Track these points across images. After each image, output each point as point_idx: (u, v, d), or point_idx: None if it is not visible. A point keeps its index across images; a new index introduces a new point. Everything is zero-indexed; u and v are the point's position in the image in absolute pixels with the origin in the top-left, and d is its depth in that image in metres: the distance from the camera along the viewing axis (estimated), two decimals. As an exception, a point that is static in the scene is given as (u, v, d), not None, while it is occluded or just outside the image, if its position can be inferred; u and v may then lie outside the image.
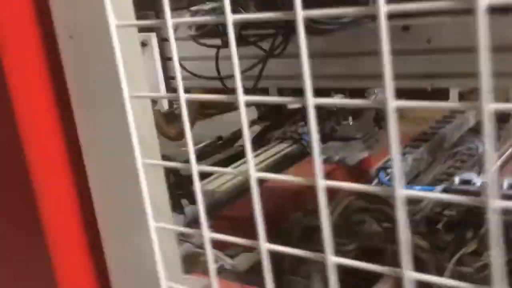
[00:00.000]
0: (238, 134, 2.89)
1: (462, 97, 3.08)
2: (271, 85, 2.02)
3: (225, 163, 2.42)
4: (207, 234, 0.62)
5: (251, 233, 2.09)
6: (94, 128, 0.75)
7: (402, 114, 4.85)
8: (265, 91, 2.21)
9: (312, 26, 1.41)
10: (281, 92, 2.74)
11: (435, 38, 1.46)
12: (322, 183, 0.53)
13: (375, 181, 2.25)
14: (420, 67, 1.51)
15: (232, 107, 3.55)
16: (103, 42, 0.62)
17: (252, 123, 2.99)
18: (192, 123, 3.36)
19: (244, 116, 0.54)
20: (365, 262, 2.03)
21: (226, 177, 2.25)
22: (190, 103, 3.47)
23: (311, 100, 0.51)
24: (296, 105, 2.94)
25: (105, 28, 0.60)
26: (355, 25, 1.45)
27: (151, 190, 0.63)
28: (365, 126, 2.47)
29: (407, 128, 5.39)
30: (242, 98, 0.53)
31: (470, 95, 3.09)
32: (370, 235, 2.05)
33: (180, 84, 0.57)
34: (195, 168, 0.59)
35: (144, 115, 0.69)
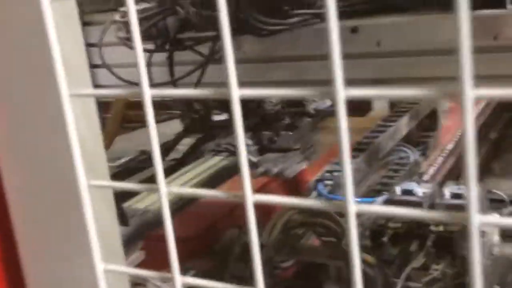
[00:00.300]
0: (163, 148, 2.73)
1: (392, 104, 3.07)
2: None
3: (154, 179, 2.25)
4: (179, 278, 0.48)
5: (187, 254, 1.93)
6: (17, 137, 0.59)
7: (324, 125, 4.80)
8: (201, 101, 2.07)
9: (258, 27, 1.29)
10: (205, 102, 2.61)
11: (385, 41, 1.38)
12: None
13: (314, 193, 2.16)
14: (369, 72, 1.43)
15: (155, 119, 3.38)
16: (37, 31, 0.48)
17: (177, 136, 2.85)
18: (114, 137, 3.17)
19: (238, 114, 0.41)
20: (306, 278, 1.90)
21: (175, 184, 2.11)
22: (112, 117, 3.28)
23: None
24: (223, 117, 2.83)
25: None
26: (302, 26, 1.34)
27: (99, 221, 0.48)
28: (303, 136, 2.38)
29: (331, 140, 5.39)
30: (236, 93, 0.40)
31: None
32: (311, 251, 1.96)
33: (144, 79, 0.44)
34: (164, 190, 0.46)
35: (88, 120, 0.54)
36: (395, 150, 2.87)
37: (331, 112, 2.66)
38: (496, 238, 2.16)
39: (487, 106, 3.80)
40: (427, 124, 3.23)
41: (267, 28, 1.29)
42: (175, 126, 3.02)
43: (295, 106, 2.44)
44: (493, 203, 2.15)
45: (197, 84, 1.54)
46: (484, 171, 3.41)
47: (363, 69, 1.44)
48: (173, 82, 1.59)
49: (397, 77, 1.39)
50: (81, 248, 0.52)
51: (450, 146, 3.05)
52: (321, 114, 2.61)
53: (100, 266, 0.49)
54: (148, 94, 0.46)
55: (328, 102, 2.58)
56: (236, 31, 1.34)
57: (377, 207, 0.52)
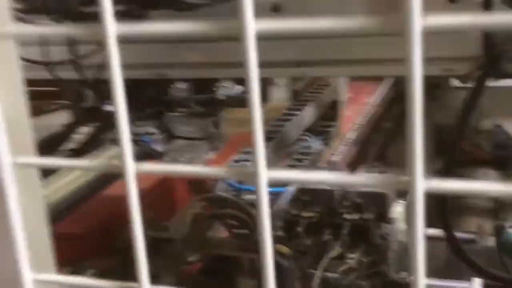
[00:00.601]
0: (57, 138, 2.53)
1: (297, 93, 3.04)
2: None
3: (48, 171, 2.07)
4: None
5: (85, 252, 1.77)
6: None
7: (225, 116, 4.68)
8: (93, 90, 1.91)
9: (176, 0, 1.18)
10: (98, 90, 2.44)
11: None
12: (132, 168, 0.37)
13: (222, 183, 2.06)
14: (291, 53, 1.35)
15: (43, 110, 3.18)
16: None
17: (67, 126, 2.65)
18: None
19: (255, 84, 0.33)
20: (216, 273, 1.79)
21: (62, 182, 1.93)
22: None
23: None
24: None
25: None
26: (222, 2, 1.24)
27: (28, 224, 0.36)
28: (211, 124, 2.28)
29: (231, 130, 5.31)
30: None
31: (308, 87, 3.06)
32: (222, 244, 1.87)
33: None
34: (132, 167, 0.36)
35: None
36: (298, 139, 2.84)
37: (242, 99, 2.58)
38: (402, 225, 2.17)
39: (381, 97, 3.88)
40: (328, 113, 3.23)
41: (185, 1, 1.18)
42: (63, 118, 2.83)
43: (204, 93, 2.33)
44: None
45: (102, 66, 1.40)
46: (380, 159, 3.47)
47: (286, 51, 1.36)
48: (74, 62, 1.44)
49: (323, 59, 1.32)
50: (4, 254, 0.40)
51: (351, 135, 3.06)
52: (232, 101, 2.52)
53: (28, 276, 0.37)
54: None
55: (240, 88, 2.50)
56: (151, 4, 1.22)
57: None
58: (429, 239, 2.46)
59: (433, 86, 4.61)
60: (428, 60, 1.03)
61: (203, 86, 2.23)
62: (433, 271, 2.29)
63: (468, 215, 4.29)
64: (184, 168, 0.41)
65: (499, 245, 0.65)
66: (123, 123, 0.39)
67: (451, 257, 2.88)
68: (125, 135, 0.39)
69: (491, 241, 3.58)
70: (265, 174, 0.38)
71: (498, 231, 0.65)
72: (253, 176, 0.39)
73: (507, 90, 2.07)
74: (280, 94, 4.45)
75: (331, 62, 1.34)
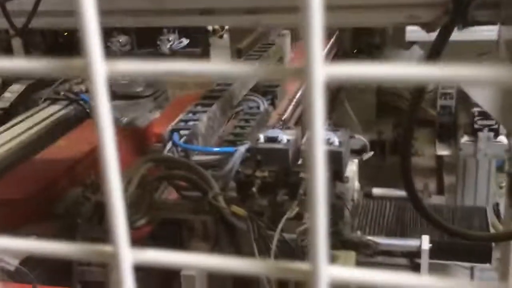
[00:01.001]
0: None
1: (240, 51, 2.93)
2: (48, 25, 1.56)
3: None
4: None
5: (24, 217, 1.63)
6: None
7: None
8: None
9: None
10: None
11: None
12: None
13: (169, 144, 1.95)
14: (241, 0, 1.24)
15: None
16: None
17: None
18: None
19: None
20: (166, 236, 1.68)
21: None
22: None
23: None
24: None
25: None
26: None
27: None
28: (154, 82, 2.14)
29: (170, 93, 5.15)
30: None
31: (252, 46, 2.95)
32: (173, 206, 1.76)
33: None
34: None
35: None
36: (244, 99, 2.75)
37: (189, 52, 2.45)
38: (357, 184, 2.13)
39: (326, 57, 3.82)
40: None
41: None
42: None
43: (147, 46, 2.19)
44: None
45: (33, 13, 1.25)
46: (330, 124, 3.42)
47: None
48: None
49: (270, 7, 1.21)
50: None
51: (297, 95, 2.99)
52: (177, 55, 2.38)
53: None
54: None
55: (184, 42, 2.36)
56: None
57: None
58: (379, 198, 2.43)
59: (374, 46, 4.60)
60: (392, 7, 0.93)
61: (146, 39, 2.09)
62: (383, 230, 2.25)
63: (413, 175, 4.34)
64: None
65: None
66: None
67: (399, 216, 2.89)
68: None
69: (435, 200, 3.63)
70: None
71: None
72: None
73: (456, 44, 2.03)
74: (222, 55, 4.33)
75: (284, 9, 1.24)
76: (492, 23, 1.17)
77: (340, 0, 1.21)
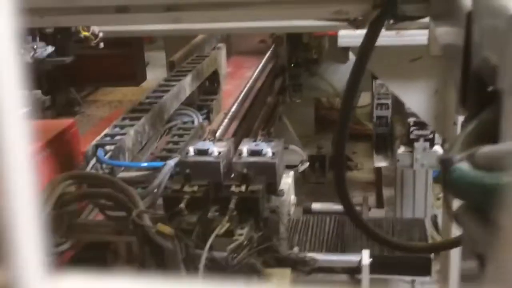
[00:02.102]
0: None
1: (173, 64, 2.82)
2: None
3: None
4: None
5: None
6: None
7: (95, 98, 4.40)
8: None
9: None
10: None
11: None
12: None
13: (93, 160, 1.82)
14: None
15: None
16: None
17: None
18: None
19: None
20: (89, 261, 1.54)
21: None
22: None
23: None
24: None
25: None
26: None
27: None
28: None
29: (103, 113, 4.98)
30: None
31: (185, 58, 2.85)
32: (95, 228, 1.63)
33: None
34: None
35: None
36: (178, 114, 2.64)
37: (58, 62, 2.30)
38: (293, 197, 2.04)
39: (262, 72, 3.76)
40: (208, 87, 3.05)
41: None
42: None
43: None
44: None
45: None
46: (264, 135, 3.35)
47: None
48: None
49: (190, 3, 1.12)
50: None
51: (233, 109, 2.90)
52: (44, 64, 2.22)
53: None
54: None
55: (49, 49, 2.21)
56: None
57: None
58: (319, 214, 2.35)
59: (311, 61, 4.59)
60: (318, 2, 0.85)
61: None
62: (323, 246, 2.16)
63: (353, 189, 4.32)
64: None
65: (446, 183, 0.51)
66: None
67: (340, 231, 2.83)
68: None
69: (374, 213, 3.60)
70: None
71: (446, 167, 0.51)
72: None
73: (388, 50, 2.00)
74: (157, 74, 4.22)
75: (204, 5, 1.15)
76: (422, 17, 1.12)
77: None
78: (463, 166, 0.52)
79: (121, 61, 3.64)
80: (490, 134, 0.54)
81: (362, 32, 1.32)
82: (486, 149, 0.51)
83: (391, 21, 1.15)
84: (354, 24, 1.17)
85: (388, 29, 1.59)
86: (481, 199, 0.50)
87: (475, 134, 0.56)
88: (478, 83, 0.58)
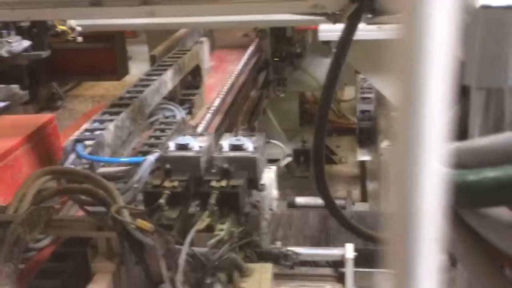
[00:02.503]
0: None
1: (154, 58, 2.80)
2: None
3: None
4: None
5: None
6: None
7: (77, 93, 4.39)
8: None
9: None
10: None
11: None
12: None
13: (72, 155, 1.80)
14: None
15: None
16: None
17: None
18: None
19: None
20: (68, 257, 1.53)
21: None
22: None
23: None
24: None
25: None
26: None
27: None
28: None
29: (85, 107, 4.95)
30: None
31: (166, 52, 2.83)
32: (73, 223, 1.61)
33: None
34: None
35: None
36: (160, 109, 2.62)
37: (34, 56, 2.28)
38: (275, 192, 2.04)
39: (245, 66, 3.75)
40: (190, 81, 3.04)
41: None
42: None
43: None
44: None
45: None
46: (248, 129, 3.34)
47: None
48: None
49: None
50: None
51: (216, 103, 2.89)
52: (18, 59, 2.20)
53: None
54: None
55: (25, 43, 2.19)
56: None
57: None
58: (303, 208, 2.34)
59: (295, 55, 4.58)
60: None
61: None
62: (306, 240, 2.16)
63: (337, 183, 4.33)
64: None
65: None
66: None
67: (323, 225, 2.83)
68: None
69: (359, 207, 3.61)
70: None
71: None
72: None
73: (369, 44, 1.99)
74: (140, 68, 4.20)
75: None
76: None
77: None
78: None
79: (102, 55, 3.61)
80: (459, 130, 0.54)
81: (342, 26, 1.31)
82: (455, 146, 0.51)
83: (369, 15, 1.14)
84: (332, 18, 1.17)
85: (369, 23, 1.59)
86: (448, 197, 0.49)
87: (447, 130, 0.55)
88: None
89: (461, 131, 0.54)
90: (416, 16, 0.32)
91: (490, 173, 0.47)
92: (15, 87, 2.50)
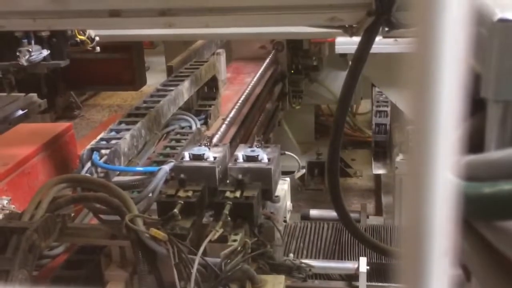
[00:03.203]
0: None
1: (171, 69, 2.82)
2: None
3: None
4: None
5: None
6: None
7: (94, 102, 4.43)
8: None
9: None
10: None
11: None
12: None
13: (88, 163, 1.82)
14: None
15: None
16: None
17: None
18: None
19: None
20: (82, 265, 1.54)
21: None
22: None
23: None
24: None
25: None
26: None
27: None
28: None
29: (102, 116, 4.98)
30: None
31: (183, 63, 2.85)
32: (88, 232, 1.62)
33: None
34: None
35: None
36: (176, 119, 2.64)
37: (53, 65, 2.31)
38: (289, 203, 2.03)
39: (262, 78, 3.75)
40: (207, 93, 3.06)
41: None
42: None
43: (8, 58, 2.07)
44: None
45: None
46: (263, 140, 3.34)
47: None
48: None
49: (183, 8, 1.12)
50: None
51: (231, 114, 2.90)
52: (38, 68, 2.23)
53: None
54: None
55: (44, 53, 2.22)
56: None
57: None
58: (317, 220, 2.33)
59: (311, 67, 4.58)
60: (313, 8, 0.85)
61: (6, 51, 1.98)
62: (320, 252, 2.14)
63: (352, 196, 4.31)
64: None
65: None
66: None
67: (338, 238, 2.81)
68: None
69: (373, 220, 3.59)
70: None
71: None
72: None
73: (386, 57, 1.99)
74: (158, 79, 4.22)
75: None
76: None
77: (261, 1, 1.12)
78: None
79: (121, 65, 3.64)
80: (475, 143, 0.53)
81: (359, 39, 1.32)
82: (469, 159, 0.51)
83: (386, 29, 1.14)
84: (349, 31, 1.17)
85: (385, 36, 1.59)
86: (463, 210, 0.49)
87: (459, 143, 0.55)
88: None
89: (478, 144, 0.54)
90: (430, 30, 0.32)
91: (506, 186, 0.47)
92: (33, 96, 2.52)
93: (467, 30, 0.32)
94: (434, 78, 0.32)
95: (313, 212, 3.24)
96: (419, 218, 0.35)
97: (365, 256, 2.52)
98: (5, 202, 1.74)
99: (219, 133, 2.64)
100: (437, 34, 0.32)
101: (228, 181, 1.71)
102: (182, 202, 1.57)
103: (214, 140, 2.58)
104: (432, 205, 0.34)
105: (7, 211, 1.68)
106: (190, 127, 2.62)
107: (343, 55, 2.68)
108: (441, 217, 0.34)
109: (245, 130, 2.99)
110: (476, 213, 0.48)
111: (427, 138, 0.33)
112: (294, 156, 2.05)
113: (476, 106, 0.56)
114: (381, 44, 1.54)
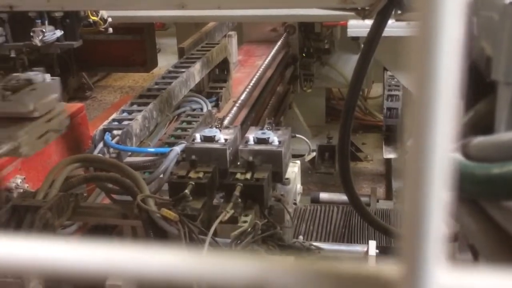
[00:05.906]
0: None
1: (182, 51, 2.83)
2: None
3: None
4: None
5: None
6: None
7: (106, 83, 4.44)
8: None
9: None
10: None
11: None
12: None
13: (100, 144, 1.83)
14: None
15: None
16: None
17: None
18: None
19: None
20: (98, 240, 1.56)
21: None
22: None
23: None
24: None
25: None
26: None
27: None
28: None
29: (114, 98, 5.00)
30: None
31: (195, 45, 2.85)
32: (101, 211, 1.64)
33: None
34: None
35: None
36: (187, 101, 2.65)
37: (66, 45, 2.32)
38: (299, 186, 2.04)
39: (273, 60, 3.75)
40: (218, 75, 3.06)
41: None
42: None
43: (22, 39, 2.09)
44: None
45: None
46: (274, 123, 3.35)
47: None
48: None
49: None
50: None
51: (242, 97, 2.90)
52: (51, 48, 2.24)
53: None
54: None
55: (58, 33, 2.23)
56: None
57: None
58: (327, 203, 2.34)
59: (322, 51, 4.57)
60: None
61: (20, 31, 1.99)
62: (330, 235, 2.16)
63: (362, 180, 4.31)
64: None
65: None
66: None
67: (347, 221, 2.83)
68: None
69: (383, 204, 3.59)
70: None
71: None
72: None
73: (398, 41, 1.98)
74: (169, 60, 4.21)
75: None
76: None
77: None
78: (456, 156, 0.52)
79: (132, 47, 3.65)
80: (485, 125, 0.54)
81: (371, 22, 1.31)
82: (479, 140, 0.51)
83: (399, 12, 1.14)
84: (362, 13, 1.17)
85: (398, 19, 1.58)
86: (472, 190, 0.50)
87: (470, 125, 0.56)
88: (475, 75, 0.58)
89: (488, 126, 0.55)
90: (430, 13, 0.33)
91: (515, 167, 0.47)
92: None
93: (463, 15, 0.33)
94: (434, 60, 0.33)
95: (323, 196, 3.26)
96: (419, 198, 0.36)
97: (374, 239, 2.54)
98: (19, 181, 1.77)
99: (230, 115, 2.65)
100: (439, 17, 0.32)
101: (238, 163, 1.72)
102: (193, 183, 1.59)
103: (225, 122, 2.59)
104: (431, 184, 0.35)
105: (21, 190, 1.70)
106: (201, 109, 2.63)
107: (355, 38, 2.67)
108: (440, 196, 0.34)
109: (256, 113, 3.00)
110: (485, 194, 0.49)
111: (427, 118, 0.34)
112: (305, 139, 2.06)
113: (487, 88, 0.57)
114: (394, 27, 1.53)
